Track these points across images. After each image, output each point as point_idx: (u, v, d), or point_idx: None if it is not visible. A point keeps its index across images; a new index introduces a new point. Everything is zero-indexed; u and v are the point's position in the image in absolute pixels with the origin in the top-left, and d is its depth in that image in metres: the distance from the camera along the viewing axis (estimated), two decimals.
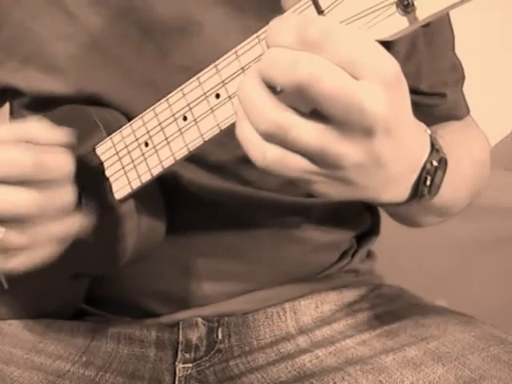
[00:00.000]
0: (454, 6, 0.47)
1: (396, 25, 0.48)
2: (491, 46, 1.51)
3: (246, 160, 0.71)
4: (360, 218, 0.85)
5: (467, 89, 0.85)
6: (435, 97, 0.80)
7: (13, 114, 0.79)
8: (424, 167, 0.56)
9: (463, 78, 0.84)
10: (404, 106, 0.51)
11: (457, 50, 0.83)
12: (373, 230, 0.86)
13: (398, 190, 0.56)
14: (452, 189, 0.62)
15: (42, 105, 0.67)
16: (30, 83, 0.71)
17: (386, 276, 0.86)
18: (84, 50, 0.68)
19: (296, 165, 0.49)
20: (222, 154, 0.70)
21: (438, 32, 0.78)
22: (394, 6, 0.47)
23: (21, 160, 0.57)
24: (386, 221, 0.86)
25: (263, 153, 0.49)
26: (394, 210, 0.74)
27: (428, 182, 0.57)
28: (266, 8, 0.54)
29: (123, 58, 0.68)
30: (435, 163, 0.57)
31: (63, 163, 0.58)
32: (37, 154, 0.57)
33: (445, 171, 0.58)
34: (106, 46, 0.68)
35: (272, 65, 0.48)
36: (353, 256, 0.82)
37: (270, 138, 0.49)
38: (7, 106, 0.79)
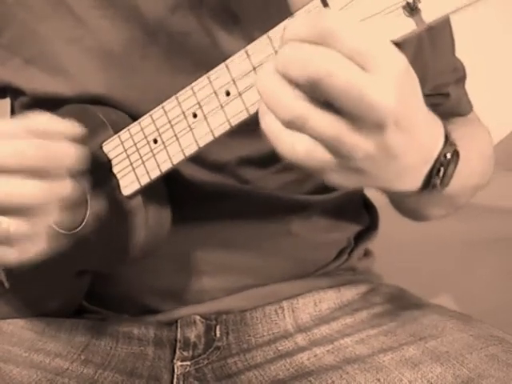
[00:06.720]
0: (458, 9, 0.48)
1: (402, 27, 0.49)
2: (490, 47, 1.51)
3: (246, 160, 0.72)
4: (358, 217, 0.85)
5: (466, 90, 0.85)
6: (438, 96, 0.80)
7: (14, 114, 0.79)
8: (437, 159, 0.57)
9: (464, 76, 0.84)
10: (415, 98, 0.52)
11: (457, 51, 0.83)
12: (370, 229, 0.86)
13: (409, 180, 0.57)
14: (461, 179, 0.62)
15: (43, 105, 0.67)
16: (33, 83, 0.71)
17: (385, 275, 0.86)
18: (89, 52, 0.69)
19: (322, 156, 0.50)
20: (222, 154, 0.70)
21: (439, 35, 0.78)
22: (401, 9, 0.48)
23: (28, 151, 0.57)
24: (385, 220, 0.86)
25: (292, 146, 0.50)
26: (404, 200, 0.74)
27: (441, 174, 0.57)
28: (267, 18, 0.54)
29: (128, 60, 0.69)
30: (449, 156, 0.57)
31: (69, 155, 0.58)
32: (44, 145, 0.57)
33: (457, 163, 0.59)
34: (111, 49, 0.69)
35: (287, 61, 0.49)
36: (350, 254, 0.83)
37: (293, 126, 0.50)
38: (8, 101, 0.79)
